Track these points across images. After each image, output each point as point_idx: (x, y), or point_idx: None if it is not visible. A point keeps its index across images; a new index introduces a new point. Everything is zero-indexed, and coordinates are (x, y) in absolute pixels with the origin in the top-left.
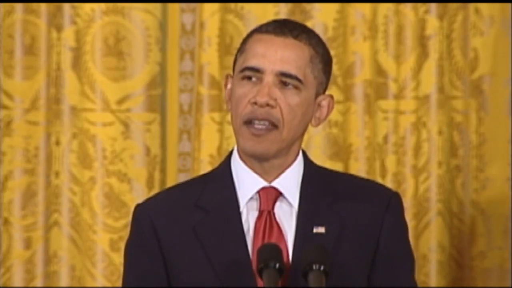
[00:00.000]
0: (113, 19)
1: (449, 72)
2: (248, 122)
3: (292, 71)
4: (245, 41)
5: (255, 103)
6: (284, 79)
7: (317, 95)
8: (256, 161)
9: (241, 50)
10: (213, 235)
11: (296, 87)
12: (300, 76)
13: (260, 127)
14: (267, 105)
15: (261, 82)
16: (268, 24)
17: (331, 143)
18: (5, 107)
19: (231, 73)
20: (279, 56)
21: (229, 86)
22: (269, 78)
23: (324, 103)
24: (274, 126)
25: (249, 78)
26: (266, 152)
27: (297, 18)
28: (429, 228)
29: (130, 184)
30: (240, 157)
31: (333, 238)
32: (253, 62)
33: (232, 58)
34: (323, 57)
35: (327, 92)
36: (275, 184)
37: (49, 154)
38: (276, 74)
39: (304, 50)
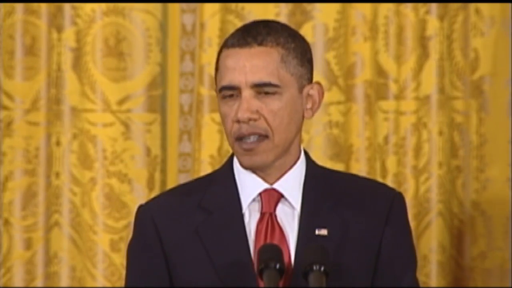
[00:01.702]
0: (114, 19)
1: (449, 73)
2: (239, 139)
3: (265, 79)
4: (218, 58)
5: (237, 120)
6: (260, 89)
7: (301, 89)
8: None
9: (216, 68)
10: (215, 236)
11: (274, 93)
12: (274, 81)
13: (250, 141)
14: (250, 119)
15: (240, 98)
16: (233, 36)
17: (331, 144)
18: (5, 107)
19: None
20: (248, 68)
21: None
22: (245, 93)
23: (313, 91)
24: (264, 136)
25: (230, 96)
26: (263, 163)
27: (297, 18)
28: (430, 228)
29: (131, 185)
30: None
31: (336, 240)
32: (226, 81)
33: None
34: (295, 51)
35: (315, 81)
36: (276, 186)
37: (49, 155)
38: (251, 86)
39: (271, 54)
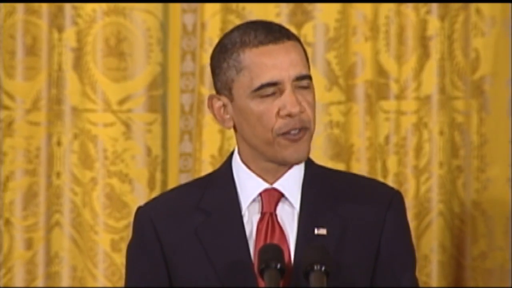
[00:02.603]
0: (114, 19)
1: (450, 73)
2: (285, 133)
3: (304, 71)
4: (237, 58)
5: (289, 115)
6: (299, 82)
7: None
8: (260, 162)
9: (236, 68)
10: (215, 237)
11: (308, 85)
12: (309, 72)
13: (296, 132)
14: (301, 112)
15: (281, 93)
16: (254, 35)
17: (332, 144)
18: (6, 107)
19: (216, 94)
20: (288, 62)
21: (217, 104)
22: (288, 87)
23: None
24: (306, 128)
25: (269, 92)
26: (305, 156)
27: (298, 18)
28: (431, 228)
29: (132, 185)
30: (241, 159)
31: (335, 239)
32: (267, 77)
33: None
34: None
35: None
36: (277, 185)
37: (50, 155)
38: (292, 80)
39: (299, 47)
